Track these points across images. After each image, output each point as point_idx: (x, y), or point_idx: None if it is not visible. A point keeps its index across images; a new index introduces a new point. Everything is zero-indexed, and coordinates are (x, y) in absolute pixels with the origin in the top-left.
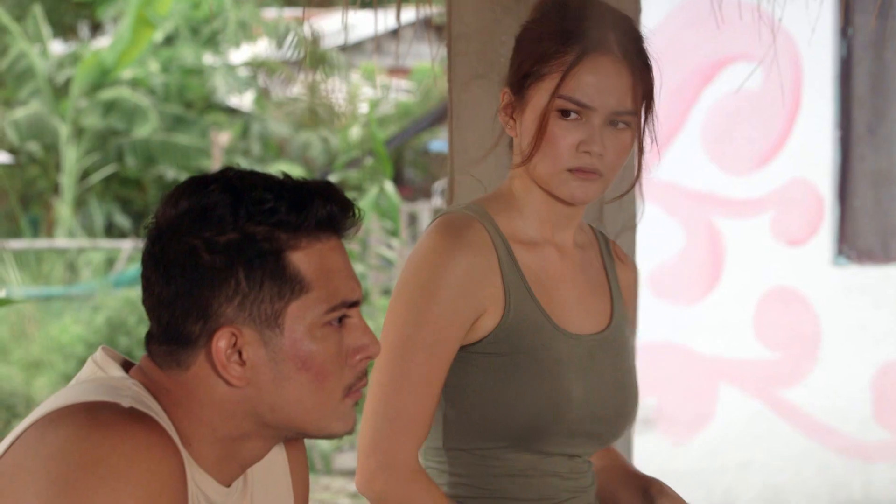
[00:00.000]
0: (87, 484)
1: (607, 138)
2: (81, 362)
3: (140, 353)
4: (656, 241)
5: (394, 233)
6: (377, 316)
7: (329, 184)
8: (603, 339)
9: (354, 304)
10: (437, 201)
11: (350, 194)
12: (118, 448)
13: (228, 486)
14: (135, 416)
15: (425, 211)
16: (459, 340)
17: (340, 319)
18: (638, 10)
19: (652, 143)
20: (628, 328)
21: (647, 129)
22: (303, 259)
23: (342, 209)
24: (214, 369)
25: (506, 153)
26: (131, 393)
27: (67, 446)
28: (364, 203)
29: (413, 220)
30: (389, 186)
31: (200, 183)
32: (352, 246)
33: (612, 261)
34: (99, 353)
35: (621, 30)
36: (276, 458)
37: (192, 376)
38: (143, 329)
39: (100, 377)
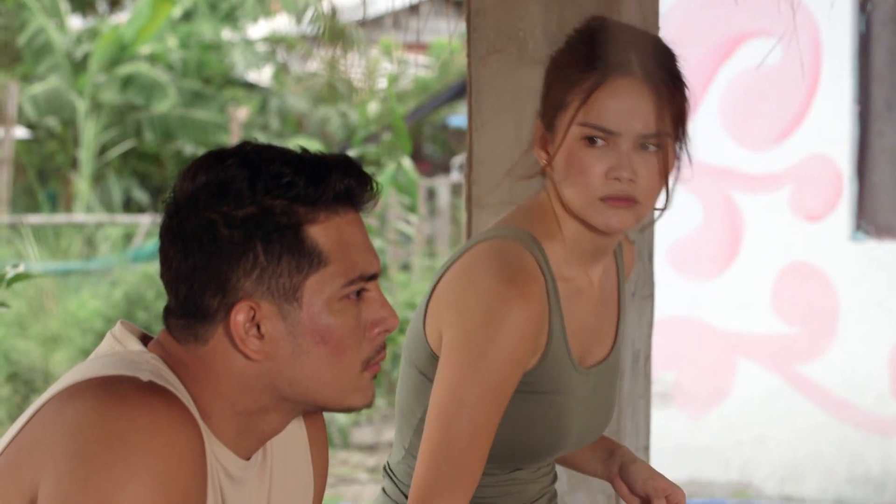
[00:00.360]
0: (106, 458)
1: (637, 163)
2: (99, 337)
3: (158, 328)
4: (674, 217)
5: (412, 208)
6: (395, 291)
7: (347, 158)
8: (605, 367)
9: (372, 277)
10: (456, 176)
11: (368, 169)
12: (137, 422)
13: (248, 459)
14: (153, 390)
15: (443, 186)
16: (515, 386)
17: (359, 293)
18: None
19: (689, 163)
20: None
21: (680, 151)
22: (321, 233)
23: (360, 183)
24: (233, 343)
25: (525, 127)
26: (150, 367)
27: (86, 420)
28: (382, 178)
29: (431, 195)
30: (407, 162)
31: (218, 157)
32: (370, 221)
33: (622, 265)
34: (118, 328)
35: (645, 51)
36: (296, 432)
37: (210, 350)
38: (161, 303)
39: (118, 351)
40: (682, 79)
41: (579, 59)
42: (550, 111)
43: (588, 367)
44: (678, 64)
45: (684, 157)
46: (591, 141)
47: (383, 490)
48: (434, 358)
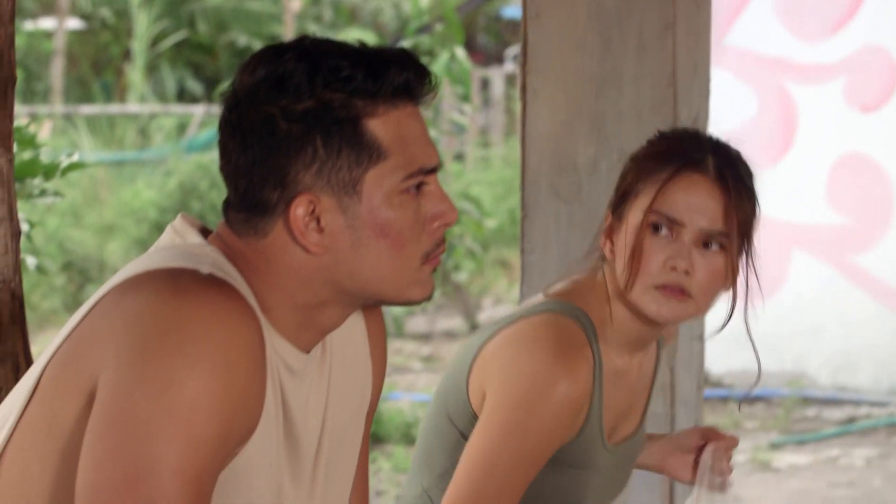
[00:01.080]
0: (165, 349)
1: (697, 258)
2: (154, 227)
3: (212, 218)
4: (729, 107)
5: (465, 98)
6: (449, 181)
7: (405, 51)
8: (631, 444)
9: (432, 170)
10: (510, 67)
11: (422, 60)
12: (197, 314)
13: (307, 352)
14: (214, 283)
15: (498, 76)
16: (550, 455)
17: (418, 187)
18: None
19: (749, 275)
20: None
21: (744, 262)
22: (380, 126)
23: (418, 76)
24: (292, 237)
25: (579, 17)
26: (210, 260)
27: (146, 311)
28: (436, 69)
29: (485, 85)
30: (461, 52)
31: (277, 51)
32: (424, 112)
33: (663, 349)
34: (178, 221)
35: (724, 157)
36: (354, 325)
37: (269, 244)
38: (215, 194)
39: (178, 244)
40: (754, 192)
41: (658, 153)
42: (622, 200)
43: (615, 443)
44: (753, 178)
45: (748, 270)
46: (655, 229)
47: None
48: (474, 418)
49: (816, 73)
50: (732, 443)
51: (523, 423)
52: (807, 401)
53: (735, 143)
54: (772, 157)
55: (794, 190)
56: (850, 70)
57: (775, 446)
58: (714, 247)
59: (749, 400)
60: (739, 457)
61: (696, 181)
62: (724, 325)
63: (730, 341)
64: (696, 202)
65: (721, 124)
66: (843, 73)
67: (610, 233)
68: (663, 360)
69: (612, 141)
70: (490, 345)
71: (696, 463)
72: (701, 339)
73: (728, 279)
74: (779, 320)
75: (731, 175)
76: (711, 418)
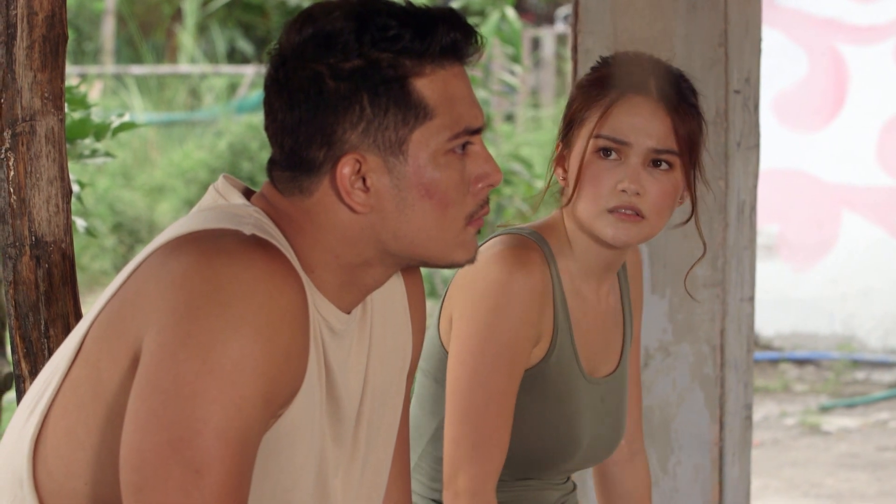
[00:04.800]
0: (209, 310)
1: (647, 179)
2: (204, 187)
3: (262, 179)
4: (779, 68)
5: (516, 59)
6: (499, 142)
7: (452, 10)
8: (613, 380)
9: (477, 131)
10: (560, 27)
11: (472, 20)
12: (240, 275)
13: (349, 313)
14: (257, 244)
15: (548, 37)
16: (526, 360)
17: (463, 147)
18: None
19: (694, 191)
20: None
21: (693, 177)
22: (427, 86)
23: (465, 36)
24: (338, 196)
25: None
26: (253, 220)
27: (189, 273)
28: (486, 29)
29: (536, 45)
30: (511, 12)
31: (325, 9)
32: (474, 72)
33: (626, 283)
34: (220, 181)
35: (665, 78)
36: (394, 287)
37: (315, 203)
38: (265, 154)
39: (221, 205)
40: (698, 109)
41: (601, 80)
42: (570, 128)
43: (597, 378)
44: (696, 96)
45: (696, 184)
46: (604, 153)
47: None
48: (446, 356)
49: (868, 34)
50: None
51: (491, 323)
52: (856, 364)
53: (786, 105)
54: (822, 118)
55: (845, 151)
56: None
57: (825, 409)
58: (663, 166)
59: (799, 363)
60: (789, 420)
61: (639, 103)
62: (687, 219)
63: (778, 305)
64: (640, 123)
65: (771, 85)
66: (894, 34)
67: (561, 160)
68: (626, 294)
69: None
70: (451, 284)
71: None
72: (751, 301)
73: (679, 196)
74: (829, 283)
75: (673, 94)
76: (761, 381)
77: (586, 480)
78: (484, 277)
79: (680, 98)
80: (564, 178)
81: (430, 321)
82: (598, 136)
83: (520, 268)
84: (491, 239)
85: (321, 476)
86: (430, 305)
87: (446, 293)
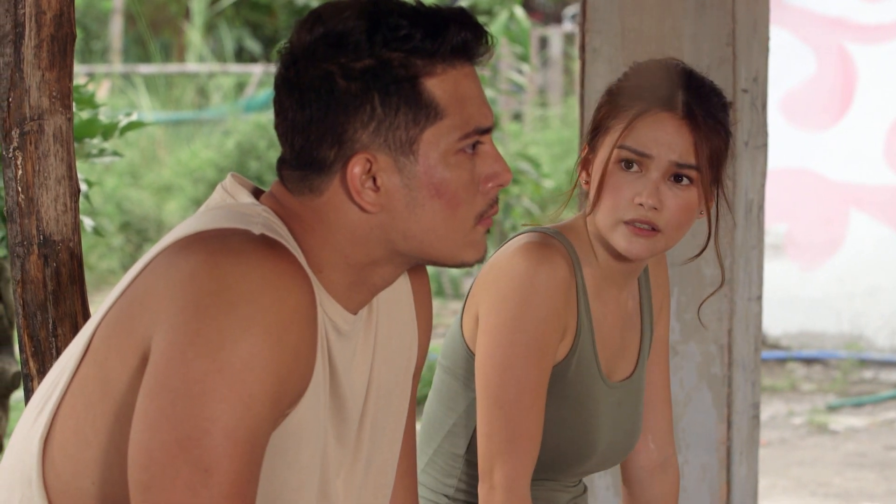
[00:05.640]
0: (217, 310)
1: (667, 193)
2: (211, 186)
3: (270, 178)
4: (787, 67)
5: (524, 58)
6: (507, 141)
7: (463, 10)
8: (629, 385)
9: (487, 130)
10: (568, 26)
11: (481, 19)
12: (248, 275)
13: (355, 313)
14: (265, 243)
15: (556, 35)
16: (555, 352)
17: (474, 146)
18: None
19: (716, 208)
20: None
21: (715, 194)
22: (438, 85)
23: (476, 36)
24: (348, 195)
25: None
26: (262, 220)
27: (198, 272)
28: (494, 28)
29: (544, 44)
30: (519, 11)
31: (336, 9)
32: (482, 71)
33: (647, 287)
34: (228, 180)
35: (695, 93)
36: (401, 287)
37: (324, 202)
38: (273, 153)
39: (230, 204)
40: (725, 125)
41: (630, 89)
42: (595, 133)
43: (614, 382)
44: (725, 112)
45: (718, 201)
46: (626, 165)
47: None
48: (469, 355)
49: (876, 33)
50: None
51: (518, 316)
52: (864, 363)
53: (793, 104)
54: (830, 117)
55: (853, 150)
56: None
57: (832, 408)
58: (684, 181)
59: (806, 362)
60: (796, 419)
61: (664, 119)
62: (701, 250)
63: (786, 304)
64: (663, 137)
65: (779, 84)
66: None
67: (586, 164)
68: (646, 300)
69: None
70: (475, 282)
71: None
72: (759, 300)
73: (698, 212)
74: (836, 282)
75: (700, 111)
76: (768, 380)
77: (595, 482)
78: (509, 272)
79: (706, 114)
80: (588, 183)
81: (454, 318)
82: (621, 147)
83: (545, 261)
84: (516, 237)
85: (323, 476)
86: (437, 305)
87: (470, 290)
